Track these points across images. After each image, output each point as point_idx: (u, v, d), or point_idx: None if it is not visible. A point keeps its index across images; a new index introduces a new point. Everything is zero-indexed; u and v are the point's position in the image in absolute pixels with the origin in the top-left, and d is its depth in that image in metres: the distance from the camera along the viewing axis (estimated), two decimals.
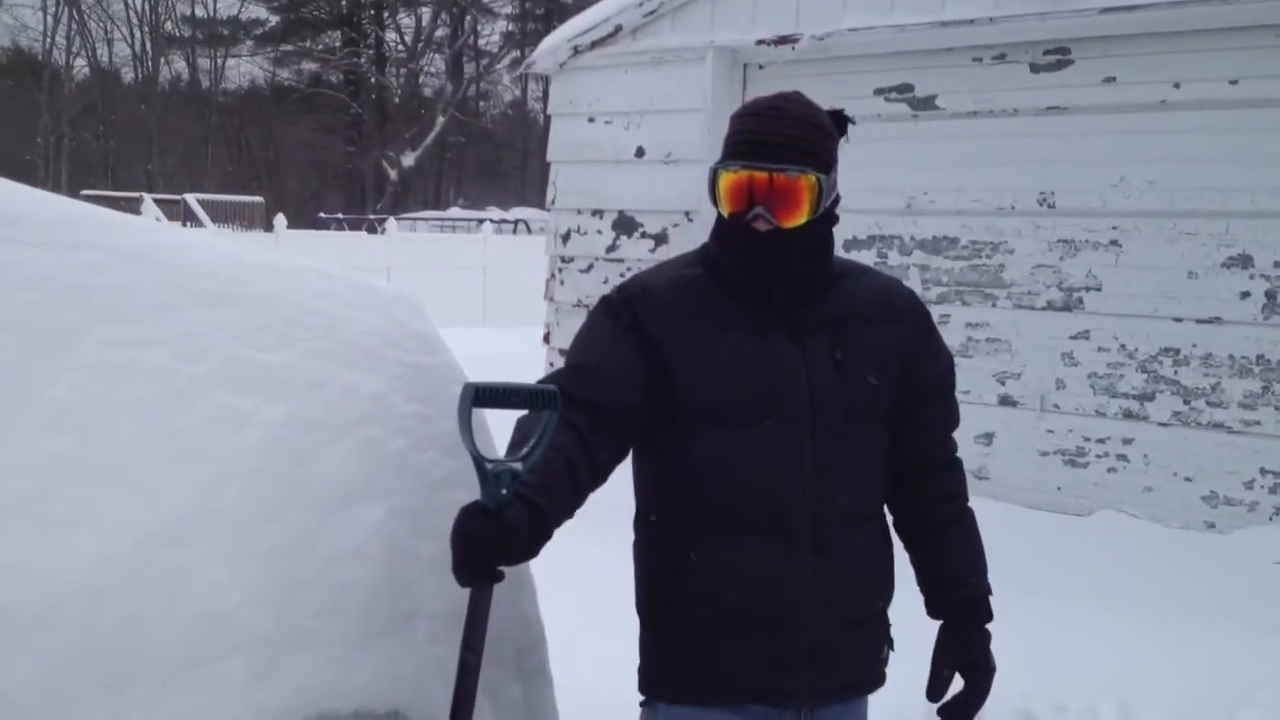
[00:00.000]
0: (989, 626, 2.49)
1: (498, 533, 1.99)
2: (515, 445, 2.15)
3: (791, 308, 2.38)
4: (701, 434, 2.34)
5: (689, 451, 2.35)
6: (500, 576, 2.05)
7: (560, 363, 2.43)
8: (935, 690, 2.47)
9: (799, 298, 2.38)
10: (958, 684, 2.48)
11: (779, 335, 2.36)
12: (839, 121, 2.44)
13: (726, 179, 2.34)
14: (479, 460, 2.00)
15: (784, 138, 2.32)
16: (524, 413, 2.18)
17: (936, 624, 2.53)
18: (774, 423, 2.33)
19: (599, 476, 2.28)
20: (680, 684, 2.40)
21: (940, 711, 2.49)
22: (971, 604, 2.49)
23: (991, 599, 2.51)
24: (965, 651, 2.47)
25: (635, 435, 2.37)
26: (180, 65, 52.77)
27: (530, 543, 2.08)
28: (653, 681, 2.46)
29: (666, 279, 2.43)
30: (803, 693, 2.37)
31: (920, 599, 2.55)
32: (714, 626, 2.35)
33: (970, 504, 2.60)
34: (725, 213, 2.36)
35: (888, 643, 2.53)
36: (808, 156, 2.33)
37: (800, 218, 2.32)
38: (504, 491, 2.00)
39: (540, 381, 2.18)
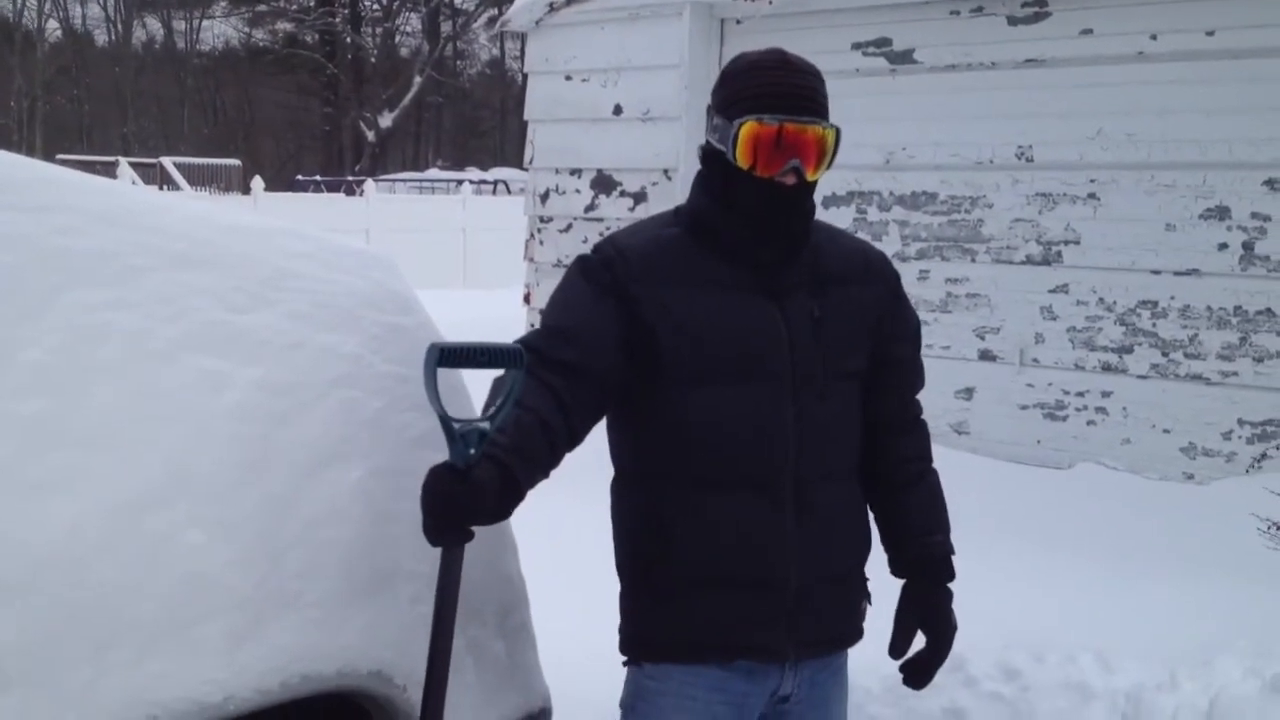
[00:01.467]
0: (951, 586, 2.51)
1: (465, 492, 1.99)
2: (490, 405, 2.15)
3: (774, 267, 2.37)
4: (685, 393, 2.33)
5: (672, 410, 2.34)
6: (470, 536, 2.05)
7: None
8: (897, 648, 2.49)
9: (784, 256, 2.38)
10: (919, 642, 2.50)
11: (760, 294, 2.35)
12: None
13: (758, 131, 2.26)
14: (446, 420, 2.00)
15: (808, 90, 2.30)
16: (499, 374, 2.18)
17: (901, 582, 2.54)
18: (757, 381, 2.33)
19: (575, 437, 2.27)
20: (665, 643, 2.40)
21: (902, 669, 2.51)
22: (935, 563, 2.51)
23: (954, 558, 2.53)
24: (928, 610, 2.49)
25: (611, 396, 2.35)
26: (154, 27, 52.29)
27: (500, 503, 2.08)
28: (637, 641, 2.45)
29: (643, 239, 2.40)
30: (787, 648, 2.38)
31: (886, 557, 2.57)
32: (698, 584, 2.35)
33: (935, 465, 2.61)
34: (748, 165, 2.28)
35: (866, 597, 2.55)
36: (825, 109, 2.32)
37: (820, 171, 2.32)
38: (472, 451, 2.00)
39: (516, 343, 2.18)
